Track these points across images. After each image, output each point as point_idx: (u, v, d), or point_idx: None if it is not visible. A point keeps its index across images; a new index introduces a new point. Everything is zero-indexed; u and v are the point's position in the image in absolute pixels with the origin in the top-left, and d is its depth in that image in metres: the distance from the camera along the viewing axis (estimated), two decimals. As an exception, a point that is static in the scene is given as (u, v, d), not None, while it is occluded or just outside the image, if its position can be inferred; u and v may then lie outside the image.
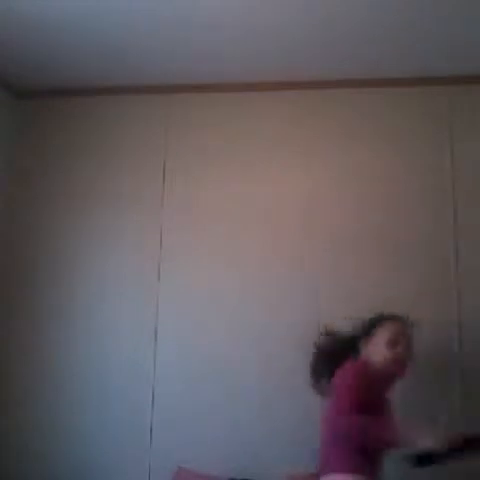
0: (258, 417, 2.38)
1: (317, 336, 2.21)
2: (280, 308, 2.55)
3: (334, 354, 2.11)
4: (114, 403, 2.57)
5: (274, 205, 2.64)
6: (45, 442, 2.59)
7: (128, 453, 2.52)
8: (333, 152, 2.65)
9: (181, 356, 2.57)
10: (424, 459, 1.50)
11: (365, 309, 2.48)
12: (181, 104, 2.77)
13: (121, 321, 2.64)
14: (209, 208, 2.68)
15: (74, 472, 2.54)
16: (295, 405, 2.40)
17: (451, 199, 2.55)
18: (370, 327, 2.12)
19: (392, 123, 2.64)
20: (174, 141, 2.76)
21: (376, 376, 1.97)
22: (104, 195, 2.76)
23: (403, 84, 2.64)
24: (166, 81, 2.74)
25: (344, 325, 2.19)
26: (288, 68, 2.60)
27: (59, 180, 2.80)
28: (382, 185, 2.60)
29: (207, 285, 2.61)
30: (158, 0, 2.14)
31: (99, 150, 2.80)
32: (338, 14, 2.19)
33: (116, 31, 2.34)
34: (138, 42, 2.42)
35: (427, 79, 2.62)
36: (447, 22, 2.23)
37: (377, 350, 2.02)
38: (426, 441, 1.62)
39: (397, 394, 2.40)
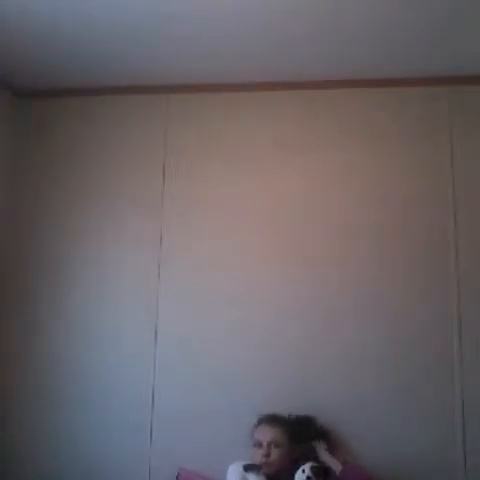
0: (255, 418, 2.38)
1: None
2: (281, 308, 2.55)
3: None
4: (114, 403, 2.58)
5: (274, 204, 2.64)
6: (45, 442, 2.59)
7: (128, 453, 2.52)
8: (333, 152, 2.65)
9: (181, 356, 2.58)
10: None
11: (364, 306, 2.50)
12: (180, 104, 2.78)
13: (121, 321, 2.64)
14: (209, 208, 2.68)
15: (74, 472, 2.54)
16: (299, 404, 2.40)
17: (451, 199, 2.55)
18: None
19: (392, 123, 2.64)
20: (174, 141, 2.76)
21: None
22: (104, 195, 2.76)
23: (403, 84, 2.64)
24: (166, 81, 2.74)
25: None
26: (288, 68, 2.60)
27: (59, 180, 2.80)
28: (382, 185, 2.60)
29: (207, 285, 2.61)
30: (158, 0, 2.14)
31: (99, 150, 2.80)
32: (338, 14, 2.19)
33: (116, 31, 2.34)
34: (138, 42, 2.42)
35: (427, 79, 2.62)
36: (447, 22, 2.23)
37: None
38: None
39: (395, 393, 2.42)
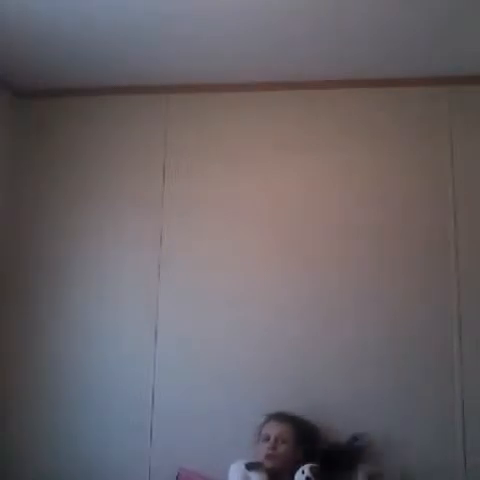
0: (259, 416, 2.38)
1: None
2: (281, 308, 2.55)
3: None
4: (114, 403, 2.58)
5: (274, 204, 2.64)
6: (45, 442, 2.59)
7: (128, 453, 2.52)
8: (333, 152, 2.65)
9: (181, 356, 2.58)
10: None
11: (364, 306, 2.50)
12: (180, 104, 2.77)
13: (121, 321, 2.64)
14: (209, 208, 2.68)
15: (74, 472, 2.54)
16: (299, 404, 2.40)
17: (451, 199, 2.55)
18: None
19: (392, 123, 2.64)
20: (174, 141, 2.76)
21: None
22: (104, 195, 2.76)
23: (403, 84, 2.64)
24: (166, 81, 2.74)
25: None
26: (288, 68, 2.60)
27: (59, 180, 2.80)
28: (382, 185, 2.60)
29: (207, 285, 2.61)
30: (158, 0, 2.14)
31: (99, 150, 2.80)
32: (338, 14, 2.19)
33: (116, 31, 2.34)
34: (138, 42, 2.42)
35: (427, 79, 2.62)
36: (447, 22, 2.22)
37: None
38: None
39: (395, 393, 2.42)
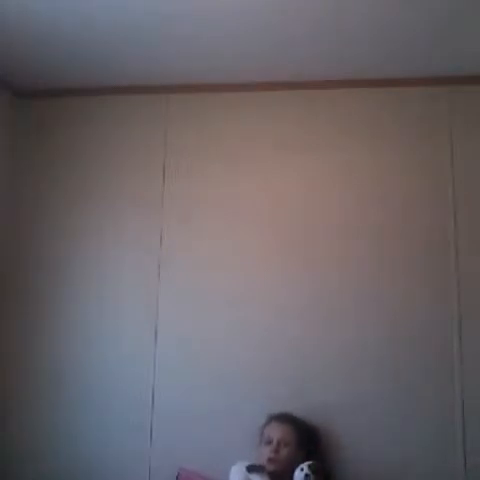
0: (259, 417, 2.38)
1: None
2: (281, 308, 2.55)
3: None
4: (114, 403, 2.58)
5: (274, 204, 2.64)
6: (45, 442, 2.59)
7: (128, 453, 2.52)
8: (333, 152, 2.65)
9: (181, 356, 2.58)
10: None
11: (364, 306, 2.50)
12: (180, 104, 2.77)
13: (121, 321, 2.64)
14: (209, 208, 2.68)
15: (74, 472, 2.54)
16: (298, 404, 2.40)
17: (451, 199, 2.55)
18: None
19: (392, 123, 2.64)
20: (174, 141, 2.76)
21: None
22: (104, 195, 2.76)
23: (403, 84, 2.64)
24: (166, 81, 2.74)
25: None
26: (288, 68, 2.60)
27: (59, 180, 2.80)
28: (382, 185, 2.60)
29: (207, 285, 2.61)
30: (158, 0, 2.14)
31: (99, 150, 2.80)
32: (338, 14, 2.19)
33: (116, 31, 2.34)
34: (138, 42, 2.42)
35: (427, 79, 2.62)
36: (447, 22, 2.22)
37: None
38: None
39: (395, 393, 2.42)
